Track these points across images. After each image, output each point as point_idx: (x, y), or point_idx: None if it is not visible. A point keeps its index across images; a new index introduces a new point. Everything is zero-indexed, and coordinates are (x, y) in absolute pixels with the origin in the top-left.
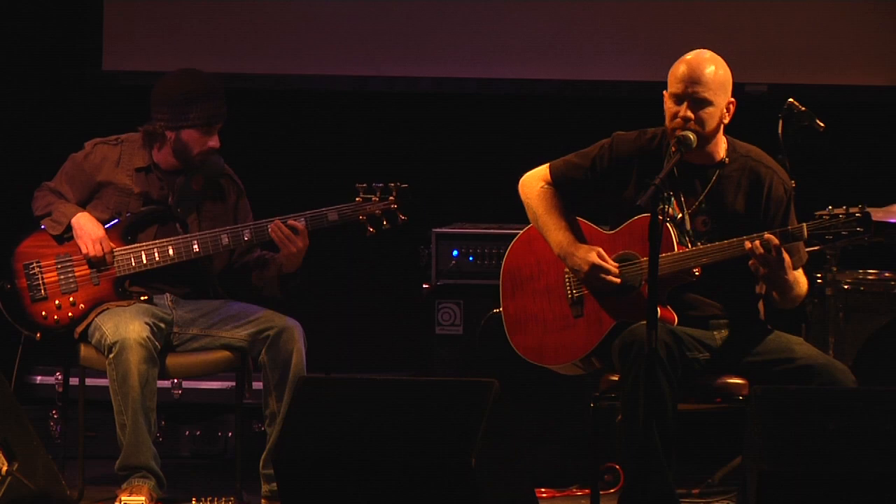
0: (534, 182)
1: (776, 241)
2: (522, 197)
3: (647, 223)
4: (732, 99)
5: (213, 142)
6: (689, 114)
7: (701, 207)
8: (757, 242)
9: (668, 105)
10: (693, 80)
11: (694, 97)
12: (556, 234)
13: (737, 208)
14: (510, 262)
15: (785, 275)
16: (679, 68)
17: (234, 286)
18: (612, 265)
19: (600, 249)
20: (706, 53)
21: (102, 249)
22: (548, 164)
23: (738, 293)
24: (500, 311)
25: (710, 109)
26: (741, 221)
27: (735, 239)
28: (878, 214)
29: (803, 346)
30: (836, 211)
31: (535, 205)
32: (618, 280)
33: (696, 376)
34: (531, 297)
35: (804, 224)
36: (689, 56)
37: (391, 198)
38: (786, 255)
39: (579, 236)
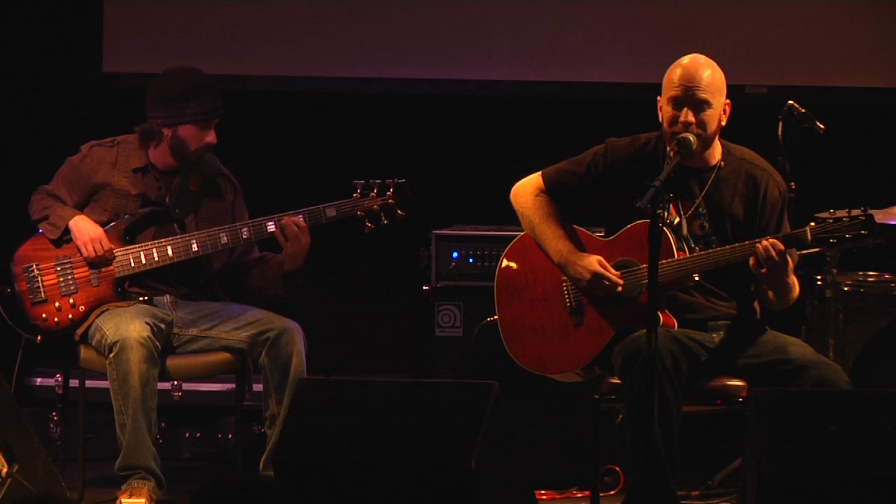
0: (527, 191)
1: (781, 245)
2: (516, 206)
3: (645, 229)
4: (727, 100)
5: (211, 137)
6: (691, 118)
7: (699, 211)
8: (766, 244)
9: (667, 110)
10: (691, 83)
11: (693, 100)
12: (554, 242)
13: (734, 211)
14: (504, 271)
15: (786, 277)
16: (675, 73)
17: (233, 286)
18: (613, 273)
19: (601, 258)
20: (700, 58)
21: (102, 247)
22: (539, 173)
23: (737, 294)
24: (495, 319)
25: (709, 112)
26: (738, 224)
27: (737, 245)
28: (878, 216)
29: (798, 346)
30: (839, 213)
31: (531, 214)
32: (620, 289)
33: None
34: (528, 305)
35: (808, 227)
36: (684, 60)
37: (389, 193)
38: (789, 259)
39: (577, 244)
